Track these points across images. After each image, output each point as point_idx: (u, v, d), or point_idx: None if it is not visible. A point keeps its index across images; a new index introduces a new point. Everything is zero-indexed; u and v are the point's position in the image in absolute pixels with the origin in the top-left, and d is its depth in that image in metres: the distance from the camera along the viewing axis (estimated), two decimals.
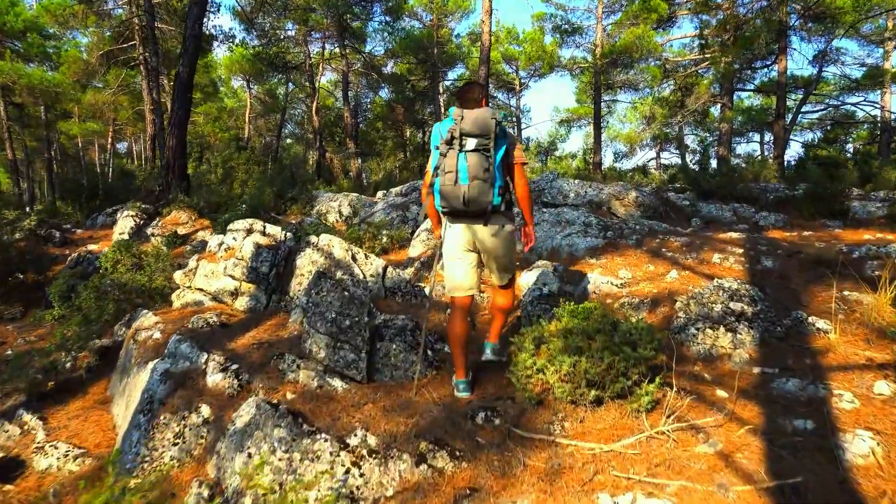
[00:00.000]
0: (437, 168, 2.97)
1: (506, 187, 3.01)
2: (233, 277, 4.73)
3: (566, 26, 21.84)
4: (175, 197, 12.08)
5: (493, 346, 3.53)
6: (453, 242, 3.14)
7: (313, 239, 4.45)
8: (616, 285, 4.88)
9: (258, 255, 4.60)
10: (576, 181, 9.90)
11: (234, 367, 3.57)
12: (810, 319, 3.48)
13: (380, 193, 16.71)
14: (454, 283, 3.23)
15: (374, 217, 10.21)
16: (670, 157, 40.45)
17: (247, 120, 33.39)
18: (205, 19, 24.11)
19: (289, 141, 45.86)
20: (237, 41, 24.40)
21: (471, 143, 2.85)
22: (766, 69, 23.70)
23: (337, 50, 24.44)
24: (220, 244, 5.26)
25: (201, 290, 4.91)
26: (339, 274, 4.07)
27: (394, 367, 3.66)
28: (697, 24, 21.69)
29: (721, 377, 3.11)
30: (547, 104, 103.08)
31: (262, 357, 3.74)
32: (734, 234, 5.96)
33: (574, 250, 6.06)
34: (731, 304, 3.55)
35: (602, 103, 24.96)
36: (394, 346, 3.72)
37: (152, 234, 9.66)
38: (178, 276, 5.37)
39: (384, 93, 33.44)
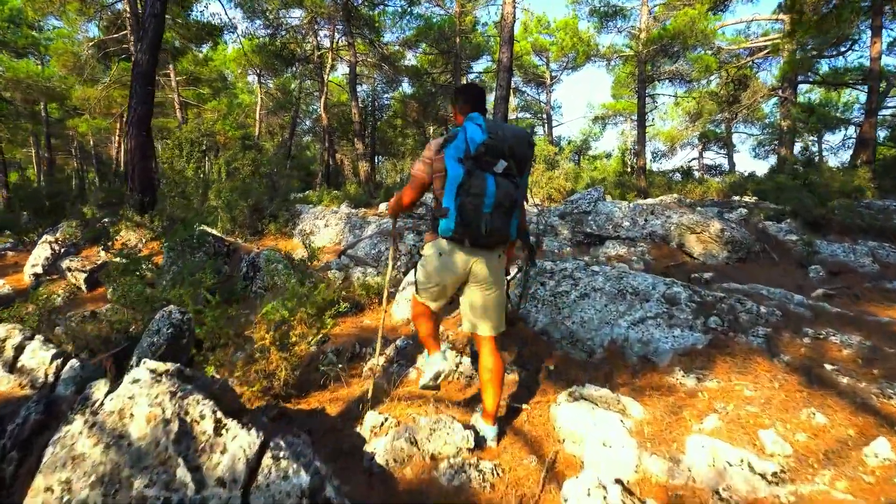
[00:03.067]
0: (458, 187, 2.43)
1: None
2: None
3: (606, 9, 18.95)
4: (124, 214, 9.78)
5: (492, 429, 2.84)
6: (442, 270, 2.68)
7: (96, 392, 1.93)
8: (764, 476, 2.29)
9: None
10: (629, 204, 7.24)
11: None
12: None
13: (383, 206, 14.23)
14: (437, 297, 2.83)
15: (358, 248, 7.74)
16: (714, 158, 37.13)
17: (257, 117, 31.29)
18: (200, 6, 22.13)
19: (307, 139, 43.81)
20: (239, 31, 22.28)
21: (501, 165, 2.43)
22: (838, 56, 20.55)
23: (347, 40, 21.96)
24: None
25: None
26: None
27: None
28: (755, 7, 18.62)
29: None
30: (579, 99, 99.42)
31: None
32: None
33: (651, 352, 3.45)
34: None
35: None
36: None
37: (68, 269, 7.33)
38: None
39: (406, 88, 31.06)
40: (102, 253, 9.06)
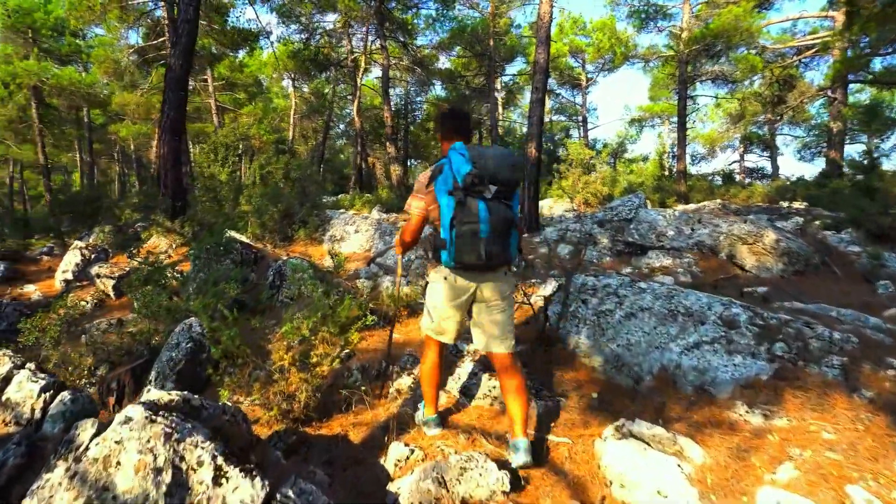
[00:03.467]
0: (452, 219, 2.49)
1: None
2: None
3: (647, 8, 18.37)
4: (155, 219, 9.77)
5: (523, 441, 2.65)
6: (450, 297, 2.71)
7: (82, 434, 1.69)
8: None
9: None
10: (674, 212, 6.82)
11: None
12: None
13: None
14: (443, 331, 2.84)
15: (388, 256, 7.51)
16: (756, 161, 35.83)
17: (291, 121, 31.54)
18: (237, 11, 22.35)
19: (340, 143, 44.05)
20: (275, 37, 22.46)
21: (491, 190, 2.48)
22: (894, 54, 19.48)
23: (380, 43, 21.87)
24: None
25: None
26: None
27: None
28: (802, 5, 17.78)
29: None
30: (615, 102, 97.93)
31: None
32: None
33: (708, 382, 3.07)
34: None
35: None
36: None
37: (97, 276, 7.29)
38: None
39: (439, 91, 30.89)
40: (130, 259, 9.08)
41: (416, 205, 2.74)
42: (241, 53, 25.38)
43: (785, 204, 12.41)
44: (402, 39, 22.13)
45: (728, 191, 16.87)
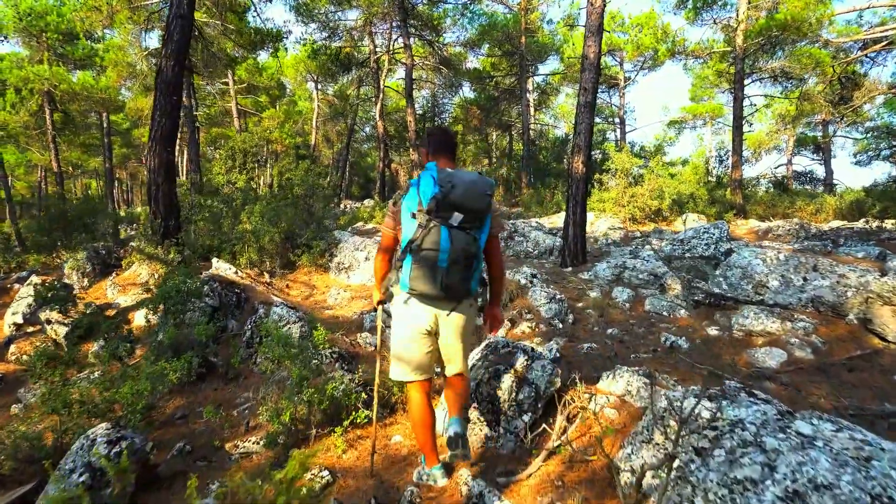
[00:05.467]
0: (410, 242, 2.39)
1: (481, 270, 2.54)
2: None
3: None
4: (138, 245, 8.48)
5: (457, 419, 2.65)
6: (412, 325, 2.55)
7: None
8: None
9: None
10: (778, 254, 5.15)
11: None
12: None
13: None
14: (413, 365, 2.62)
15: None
16: (806, 164, 33.34)
17: (314, 125, 30.41)
18: (254, 11, 21.31)
19: (367, 146, 42.81)
20: (294, 36, 21.24)
21: (456, 218, 2.34)
22: None
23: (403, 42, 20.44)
24: None
25: None
26: None
27: None
28: None
29: None
30: (650, 103, 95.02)
31: None
32: None
33: None
34: None
35: (731, 98, 19.27)
36: None
37: (47, 321, 5.97)
38: None
39: (467, 92, 29.34)
40: (111, 291, 7.77)
41: (386, 223, 2.66)
42: (263, 55, 24.37)
43: (873, 223, 10.53)
44: (427, 37, 20.67)
45: (793, 203, 14.91)
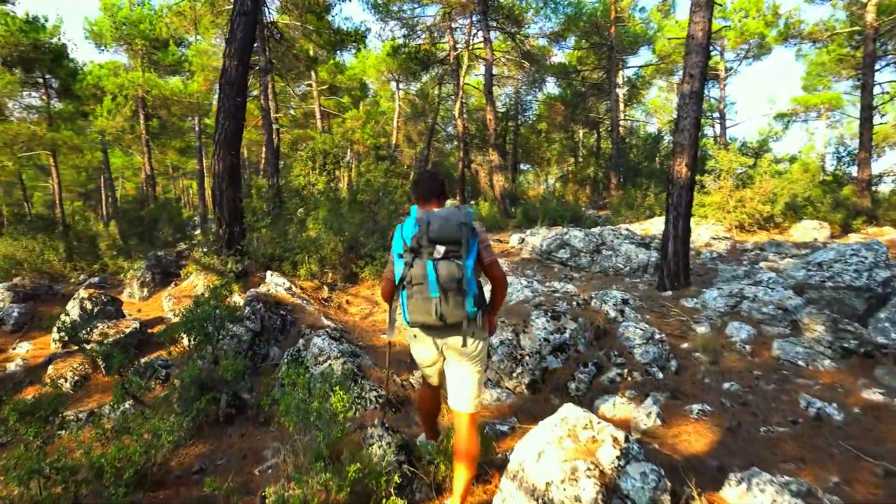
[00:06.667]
0: (402, 279, 2.53)
1: (480, 293, 2.61)
2: None
3: None
4: (195, 253, 8.13)
5: None
6: (422, 355, 2.77)
7: None
8: None
9: None
10: None
11: None
12: None
13: (514, 239, 11.47)
14: (427, 377, 2.93)
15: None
16: None
17: (395, 125, 30.13)
18: (335, 9, 21.12)
19: (449, 147, 42.23)
20: (370, 34, 20.89)
21: (440, 250, 2.46)
22: None
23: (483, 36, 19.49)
24: None
25: None
26: None
27: None
28: None
29: None
30: (752, 95, 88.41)
31: None
32: None
33: None
34: None
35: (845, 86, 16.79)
36: None
37: (86, 341, 5.60)
38: None
39: (552, 88, 27.96)
40: (167, 304, 7.43)
41: (389, 261, 2.77)
42: (344, 55, 24.33)
43: None
44: (508, 29, 19.62)
45: None
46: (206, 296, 4.55)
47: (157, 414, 3.82)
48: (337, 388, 2.84)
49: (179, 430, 3.27)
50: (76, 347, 6.00)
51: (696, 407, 3.59)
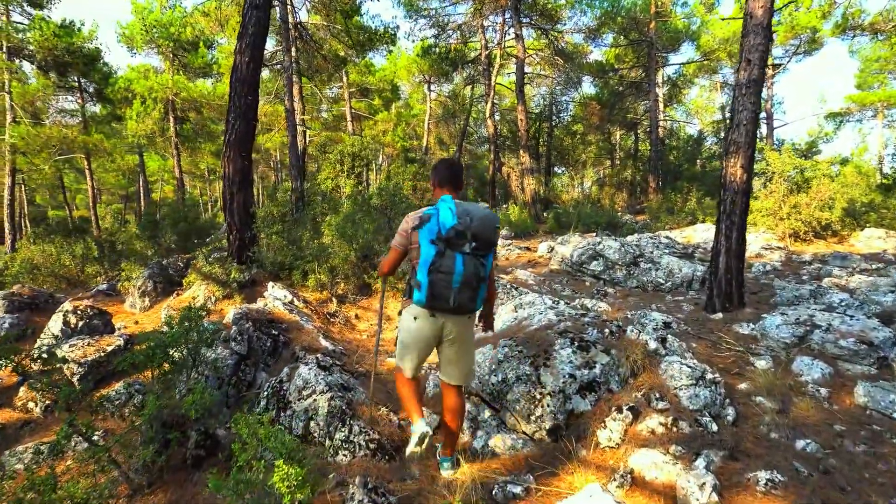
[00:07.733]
0: (431, 264, 2.69)
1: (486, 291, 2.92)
2: None
3: None
4: (197, 260, 7.62)
5: (449, 459, 3.15)
6: (422, 332, 2.90)
7: None
8: None
9: None
10: None
11: None
12: None
13: (543, 247, 10.66)
14: (414, 364, 3.00)
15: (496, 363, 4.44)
16: None
17: (426, 127, 29.57)
18: (365, 8, 20.67)
19: (483, 148, 41.43)
20: (400, 33, 20.37)
21: (469, 246, 2.70)
22: None
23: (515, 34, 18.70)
24: None
25: None
26: None
27: None
28: None
29: None
30: (799, 94, 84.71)
31: None
32: None
33: None
34: None
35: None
36: None
37: (64, 359, 5.09)
38: None
39: (587, 88, 26.94)
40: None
41: (397, 241, 2.91)
42: (374, 57, 23.92)
43: None
44: (541, 25, 18.79)
45: None
46: (174, 317, 3.94)
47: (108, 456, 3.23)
48: (281, 462, 2.14)
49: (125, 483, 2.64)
50: (48, 368, 5.52)
51: (762, 475, 2.79)
